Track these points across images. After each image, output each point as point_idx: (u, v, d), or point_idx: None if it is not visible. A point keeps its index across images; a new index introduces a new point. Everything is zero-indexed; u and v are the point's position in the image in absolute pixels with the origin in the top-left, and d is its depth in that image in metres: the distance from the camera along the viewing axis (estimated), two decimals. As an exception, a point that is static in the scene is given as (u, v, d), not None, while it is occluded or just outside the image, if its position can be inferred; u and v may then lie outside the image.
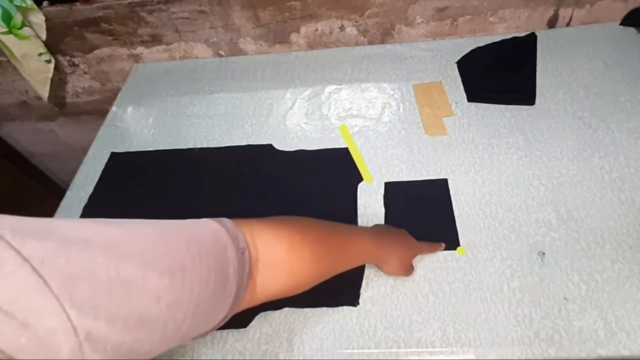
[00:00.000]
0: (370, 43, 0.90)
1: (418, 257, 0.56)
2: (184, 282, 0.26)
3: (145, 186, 0.71)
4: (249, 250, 0.34)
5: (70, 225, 0.24)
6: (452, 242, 0.57)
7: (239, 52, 0.93)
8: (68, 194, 0.71)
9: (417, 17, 0.85)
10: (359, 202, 0.63)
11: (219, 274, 0.30)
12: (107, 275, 0.23)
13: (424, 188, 0.64)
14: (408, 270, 0.54)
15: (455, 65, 0.82)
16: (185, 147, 0.75)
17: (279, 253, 0.37)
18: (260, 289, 0.36)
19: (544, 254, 0.55)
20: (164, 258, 0.26)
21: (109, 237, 0.25)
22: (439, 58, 0.84)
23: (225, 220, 0.34)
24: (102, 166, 0.74)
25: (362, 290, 0.54)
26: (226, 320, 0.32)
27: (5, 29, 0.81)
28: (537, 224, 0.57)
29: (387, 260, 0.51)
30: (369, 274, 0.56)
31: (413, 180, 0.65)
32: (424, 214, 0.61)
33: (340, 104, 0.79)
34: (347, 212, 0.62)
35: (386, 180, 0.65)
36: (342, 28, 0.87)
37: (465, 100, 0.75)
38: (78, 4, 0.85)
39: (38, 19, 0.85)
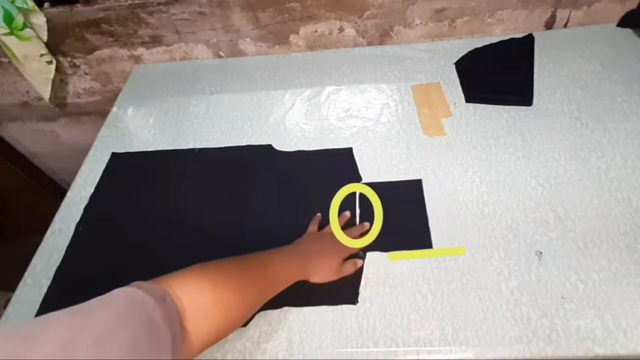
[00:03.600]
0: (369, 44, 0.91)
1: (420, 260, 0.56)
2: (110, 350, 0.27)
3: (146, 186, 0.71)
4: (172, 297, 0.35)
5: None
6: (424, 244, 0.57)
7: (239, 53, 0.93)
8: (69, 194, 0.72)
9: (416, 18, 0.85)
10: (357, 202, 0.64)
11: (146, 325, 0.31)
12: None
13: (398, 188, 0.64)
14: (336, 272, 0.55)
15: (454, 66, 0.82)
16: (185, 148, 0.76)
17: (204, 298, 0.38)
18: (195, 336, 0.36)
19: (541, 253, 0.55)
20: (83, 332, 0.27)
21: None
22: (437, 59, 0.84)
23: (135, 282, 0.35)
24: (103, 166, 0.75)
25: (361, 289, 0.55)
26: None
27: (7, 30, 0.81)
28: (535, 223, 0.58)
29: (312, 272, 0.54)
30: (368, 273, 0.56)
31: (388, 181, 0.65)
32: (397, 215, 0.61)
33: (339, 104, 0.79)
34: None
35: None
36: (341, 29, 0.88)
37: (464, 100, 0.75)
38: (79, 5, 0.85)
39: (39, 20, 0.86)
